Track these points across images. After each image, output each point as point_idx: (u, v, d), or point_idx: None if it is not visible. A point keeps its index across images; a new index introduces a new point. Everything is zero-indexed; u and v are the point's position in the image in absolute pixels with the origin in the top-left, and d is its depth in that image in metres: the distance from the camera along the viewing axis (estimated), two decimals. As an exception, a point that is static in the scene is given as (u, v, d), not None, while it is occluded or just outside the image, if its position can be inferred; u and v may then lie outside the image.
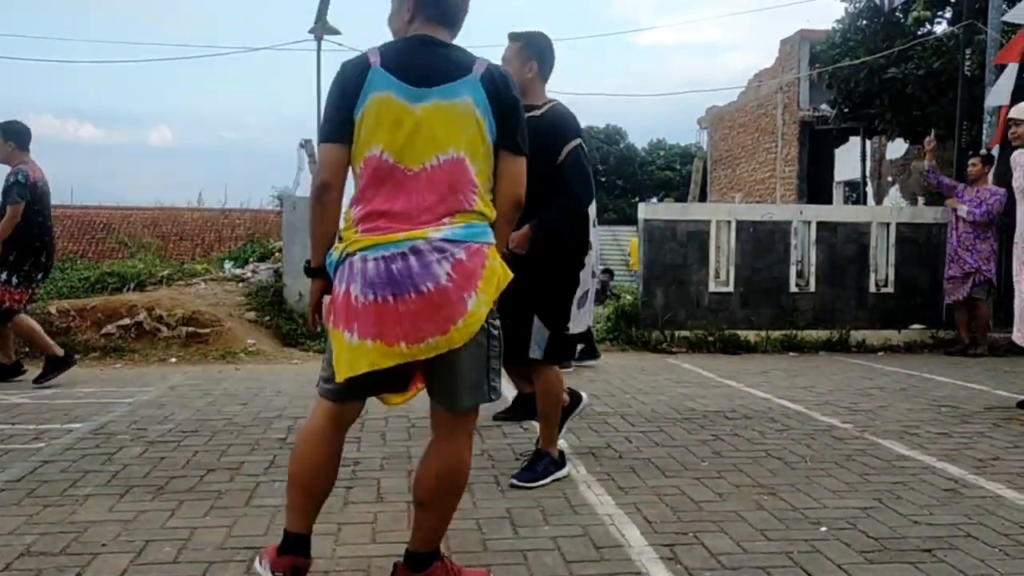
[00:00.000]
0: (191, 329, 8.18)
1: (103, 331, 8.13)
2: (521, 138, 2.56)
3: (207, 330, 8.20)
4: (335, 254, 2.46)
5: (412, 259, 2.33)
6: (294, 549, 2.53)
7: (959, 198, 9.02)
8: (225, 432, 4.81)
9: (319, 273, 2.56)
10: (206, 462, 4.12)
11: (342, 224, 2.51)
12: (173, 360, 7.75)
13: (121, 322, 8.17)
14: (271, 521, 3.23)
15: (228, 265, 10.84)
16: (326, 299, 2.54)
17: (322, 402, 2.53)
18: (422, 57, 2.48)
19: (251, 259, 10.97)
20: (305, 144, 13.10)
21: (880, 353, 9.08)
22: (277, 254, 10.38)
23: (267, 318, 8.93)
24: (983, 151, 9.60)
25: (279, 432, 4.81)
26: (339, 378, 2.40)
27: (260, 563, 2.56)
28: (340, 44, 16.02)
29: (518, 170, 2.56)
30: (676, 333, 9.14)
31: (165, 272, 10.00)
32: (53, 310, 8.19)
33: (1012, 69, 9.44)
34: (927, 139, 9.48)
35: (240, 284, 9.85)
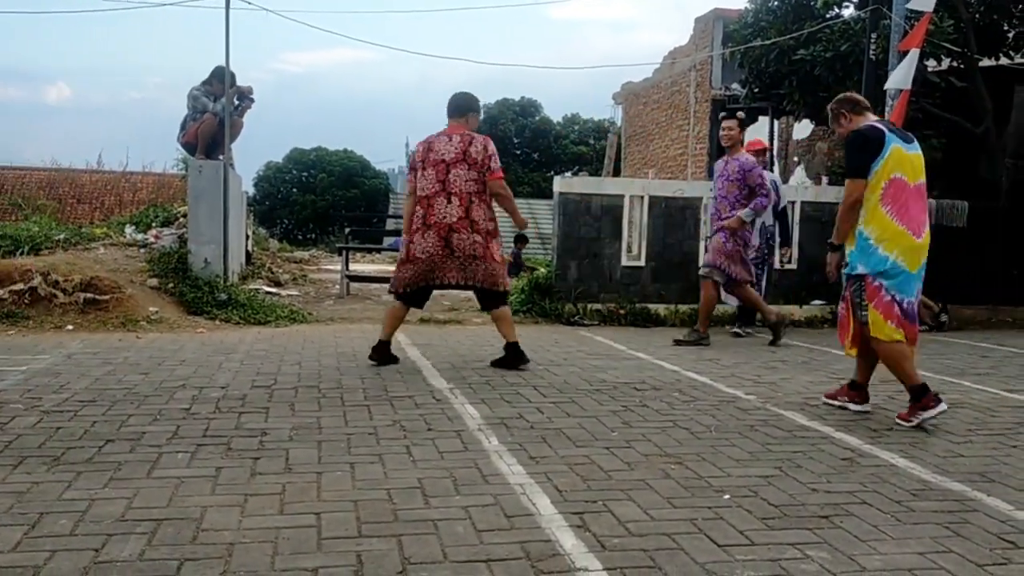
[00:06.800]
0: (89, 295, 7.85)
1: (-6, 296, 7.75)
2: None
3: (106, 297, 7.88)
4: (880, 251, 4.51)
5: None
6: None
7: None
8: (125, 402, 4.64)
9: (839, 248, 4.71)
10: (105, 432, 3.97)
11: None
12: (70, 328, 7.44)
13: (14, 287, 7.79)
14: (174, 492, 3.14)
15: (129, 230, 10.42)
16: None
17: None
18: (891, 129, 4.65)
19: (154, 224, 10.56)
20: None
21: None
22: (182, 219, 10.03)
23: (171, 285, 8.65)
24: (739, 113, 8.26)
25: (183, 402, 4.68)
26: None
27: None
28: (249, 3, 15.54)
29: None
30: (589, 306, 9.25)
31: (61, 236, 9.56)
32: (-61, 273, 7.76)
33: (914, 55, 9.78)
34: None
35: (142, 250, 9.50)
